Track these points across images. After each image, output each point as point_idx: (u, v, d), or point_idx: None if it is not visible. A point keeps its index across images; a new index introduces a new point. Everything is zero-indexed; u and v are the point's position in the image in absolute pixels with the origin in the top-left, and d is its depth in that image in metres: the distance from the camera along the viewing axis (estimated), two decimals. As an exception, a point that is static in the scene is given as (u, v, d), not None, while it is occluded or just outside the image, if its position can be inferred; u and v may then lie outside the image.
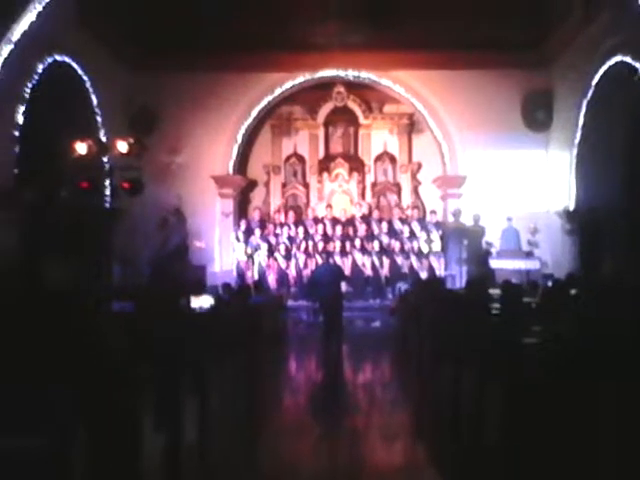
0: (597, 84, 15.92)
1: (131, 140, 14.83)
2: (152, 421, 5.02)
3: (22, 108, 13.78)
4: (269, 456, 7.29)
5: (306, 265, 18.34)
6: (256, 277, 18.11)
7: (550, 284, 11.95)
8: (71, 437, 4.26)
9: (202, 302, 8.82)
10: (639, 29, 13.60)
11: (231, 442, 7.46)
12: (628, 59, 14.41)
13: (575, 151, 17.09)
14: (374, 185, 20.92)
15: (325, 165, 20.97)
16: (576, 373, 5.13)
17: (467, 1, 17.07)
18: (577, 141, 16.97)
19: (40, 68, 14.32)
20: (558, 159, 18.24)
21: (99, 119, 16.87)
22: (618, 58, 14.81)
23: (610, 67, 15.25)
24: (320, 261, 17.68)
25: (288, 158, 21.19)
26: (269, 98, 19.85)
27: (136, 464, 4.64)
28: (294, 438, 8.05)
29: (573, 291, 9.81)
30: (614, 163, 16.46)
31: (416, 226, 18.97)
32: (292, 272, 18.43)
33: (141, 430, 4.72)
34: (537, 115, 18.97)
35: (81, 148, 13.99)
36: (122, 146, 14.61)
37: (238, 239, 18.97)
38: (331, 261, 17.47)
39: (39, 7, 13.46)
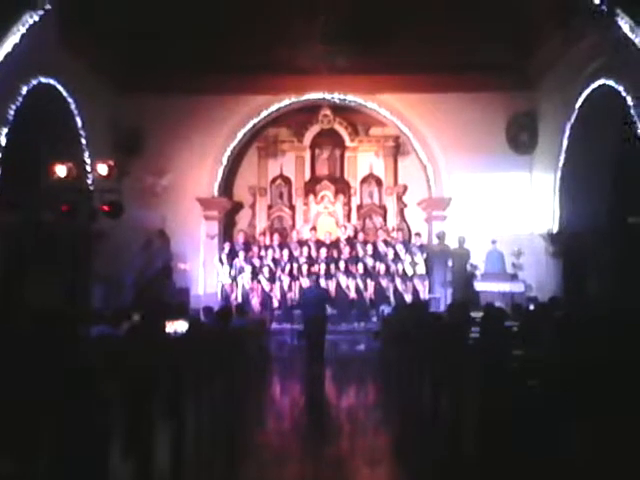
0: (581, 107, 15.98)
1: (111, 163, 14.78)
2: (122, 446, 4.97)
3: (5, 130, 13.71)
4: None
5: (290, 288, 18.28)
6: (240, 300, 18.04)
7: (532, 307, 11.96)
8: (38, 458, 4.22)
9: (177, 326, 8.77)
10: (622, 52, 13.65)
11: (208, 468, 7.38)
12: (611, 82, 14.46)
13: (559, 174, 17.12)
14: (360, 207, 20.93)
15: (311, 187, 20.97)
16: (554, 394, 5.12)
17: (451, 25, 17.15)
18: (561, 164, 17.00)
19: (24, 90, 14.27)
20: (542, 181, 18.29)
21: (83, 141, 16.81)
22: (602, 81, 14.86)
23: (594, 90, 15.30)
24: (305, 284, 17.65)
25: (274, 180, 21.19)
26: (255, 120, 19.89)
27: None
28: (274, 464, 7.97)
29: (556, 314, 9.82)
30: (598, 186, 16.53)
31: (401, 248, 18.94)
32: (276, 295, 18.35)
33: (109, 454, 4.66)
34: (521, 137, 19.03)
35: (61, 171, 13.93)
36: (102, 169, 14.56)
37: (222, 261, 18.90)
38: (323, 284, 17.39)
39: (22, 29, 13.45)
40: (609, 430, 4.55)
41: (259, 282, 18.37)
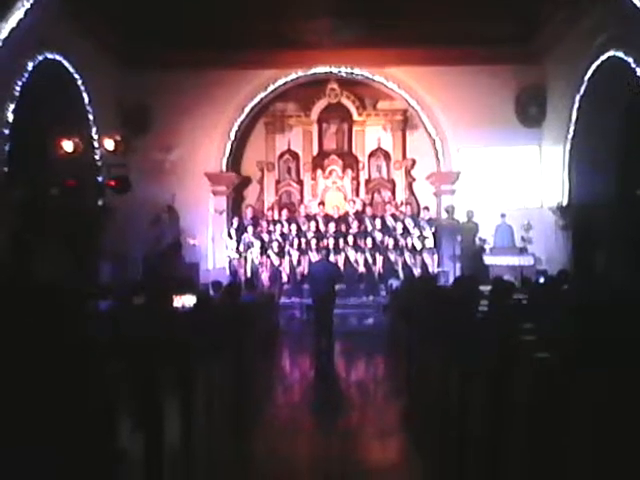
0: (590, 79, 15.87)
1: (117, 137, 14.75)
2: (131, 420, 4.97)
3: (12, 106, 13.67)
4: (258, 458, 7.25)
5: (299, 262, 18.31)
6: (249, 274, 18.06)
7: (542, 280, 11.94)
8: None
9: (185, 301, 8.78)
10: (631, 24, 13.54)
11: (218, 442, 7.42)
12: (621, 54, 14.36)
13: (568, 146, 17.04)
14: (368, 181, 20.86)
15: (319, 162, 20.91)
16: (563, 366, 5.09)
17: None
18: (570, 136, 16.91)
19: (30, 66, 14.20)
20: (551, 155, 18.20)
21: (91, 117, 16.77)
22: (611, 53, 14.76)
23: (603, 62, 15.19)
24: (314, 258, 17.64)
25: (282, 155, 21.14)
26: (262, 95, 19.81)
27: (112, 462, 4.59)
28: (284, 437, 8.02)
29: (565, 287, 9.81)
30: (607, 158, 16.46)
31: (409, 222, 18.91)
32: (285, 269, 18.37)
33: (118, 429, 4.66)
34: (530, 110, 18.92)
35: (67, 146, 13.92)
36: (109, 144, 14.54)
37: (230, 236, 18.92)
38: (331, 259, 17.37)
39: (27, 4, 13.37)
40: (621, 408, 4.53)
41: (268, 257, 18.39)
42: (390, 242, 18.46)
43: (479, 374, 6.25)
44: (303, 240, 18.58)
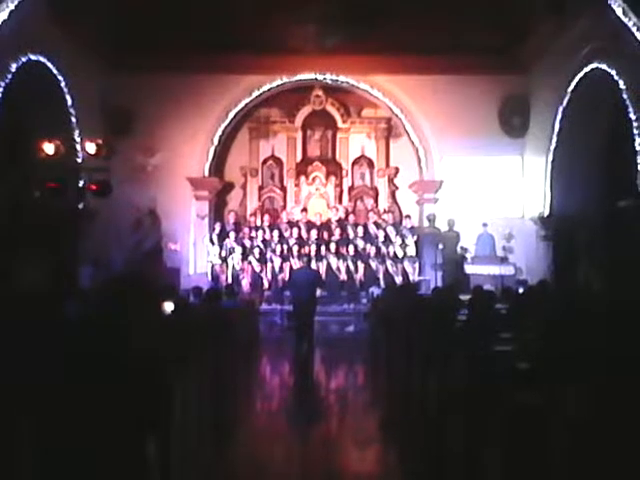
0: (573, 90, 15.95)
1: (99, 141, 14.67)
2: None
3: (-5, 107, 13.61)
4: (237, 466, 7.21)
5: (281, 269, 18.26)
6: (230, 280, 17.98)
7: (522, 290, 11.97)
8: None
9: (165, 308, 8.69)
10: (616, 36, 13.61)
11: (196, 449, 7.37)
12: (604, 66, 14.43)
13: (551, 157, 17.12)
14: (351, 189, 20.89)
15: (302, 168, 20.91)
16: (540, 378, 5.09)
17: (445, 6, 17.01)
18: (553, 147, 16.99)
19: (13, 67, 14.13)
20: (534, 165, 18.28)
21: (73, 119, 16.69)
22: (594, 65, 14.83)
23: (587, 73, 15.27)
24: (296, 265, 17.61)
25: (265, 161, 21.12)
26: (247, 100, 19.78)
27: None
28: (263, 445, 7.99)
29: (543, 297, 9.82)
30: (589, 170, 16.51)
31: (391, 231, 18.91)
32: (267, 276, 18.33)
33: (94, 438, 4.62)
34: (513, 121, 19.00)
35: (48, 148, 13.81)
36: (90, 147, 14.45)
37: (212, 242, 18.84)
38: (313, 266, 17.33)
39: (11, 5, 13.30)
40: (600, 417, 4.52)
41: (249, 263, 18.34)
42: (372, 250, 18.45)
43: (458, 383, 6.24)
44: (285, 247, 18.53)
